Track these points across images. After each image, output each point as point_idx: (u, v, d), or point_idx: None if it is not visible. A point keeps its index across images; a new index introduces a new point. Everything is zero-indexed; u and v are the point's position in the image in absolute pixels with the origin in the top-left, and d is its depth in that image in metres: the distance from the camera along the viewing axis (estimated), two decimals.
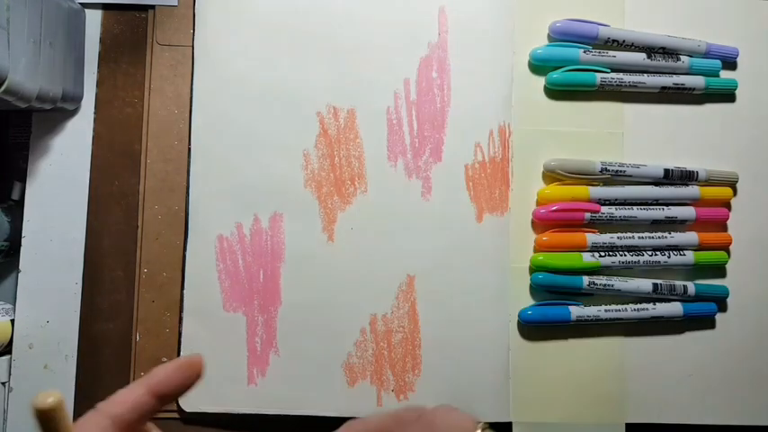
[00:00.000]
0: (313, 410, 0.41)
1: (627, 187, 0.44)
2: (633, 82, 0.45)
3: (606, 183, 0.44)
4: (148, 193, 0.42)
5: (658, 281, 0.44)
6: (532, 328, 0.43)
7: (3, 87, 0.33)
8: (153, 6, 0.43)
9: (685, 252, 0.44)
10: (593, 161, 0.44)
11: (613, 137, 0.45)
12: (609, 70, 0.45)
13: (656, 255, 0.44)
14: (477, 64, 0.44)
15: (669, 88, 0.45)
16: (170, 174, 0.42)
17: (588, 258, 0.43)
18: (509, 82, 0.44)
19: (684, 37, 0.46)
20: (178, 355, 0.41)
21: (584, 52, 0.44)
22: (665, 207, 0.45)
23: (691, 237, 0.45)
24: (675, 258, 0.44)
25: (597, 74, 0.44)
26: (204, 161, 0.42)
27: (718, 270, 0.46)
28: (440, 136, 0.43)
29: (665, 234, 0.44)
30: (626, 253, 0.44)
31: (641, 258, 0.44)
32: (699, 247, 0.45)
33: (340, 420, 0.41)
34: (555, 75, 0.44)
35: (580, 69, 0.44)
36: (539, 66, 0.45)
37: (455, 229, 0.42)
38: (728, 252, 0.46)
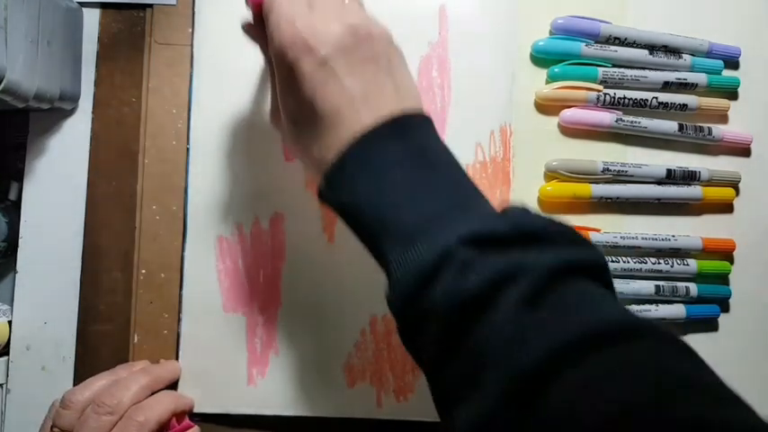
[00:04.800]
0: (312, 411, 0.41)
1: (629, 185, 0.44)
2: (635, 76, 0.45)
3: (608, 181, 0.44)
4: (146, 194, 0.42)
5: (660, 282, 0.44)
6: None
7: (0, 87, 0.32)
8: (151, 5, 0.43)
9: (688, 261, 0.44)
10: (594, 161, 0.44)
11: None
12: (610, 65, 0.45)
13: (658, 263, 0.44)
14: (478, 64, 0.43)
15: (671, 84, 0.45)
16: (168, 174, 0.42)
17: None
18: (510, 82, 0.44)
19: (687, 36, 0.46)
20: (176, 356, 0.40)
21: (586, 46, 0.44)
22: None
23: (694, 240, 0.45)
24: (679, 267, 0.44)
25: (599, 68, 0.44)
26: (203, 161, 0.42)
27: (721, 277, 0.46)
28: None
29: (669, 236, 0.44)
30: (629, 260, 0.43)
31: (644, 266, 0.43)
32: (702, 250, 0.45)
33: (340, 421, 0.41)
34: (556, 68, 0.44)
35: (582, 63, 0.44)
36: (540, 58, 0.45)
37: None
38: (732, 256, 0.46)
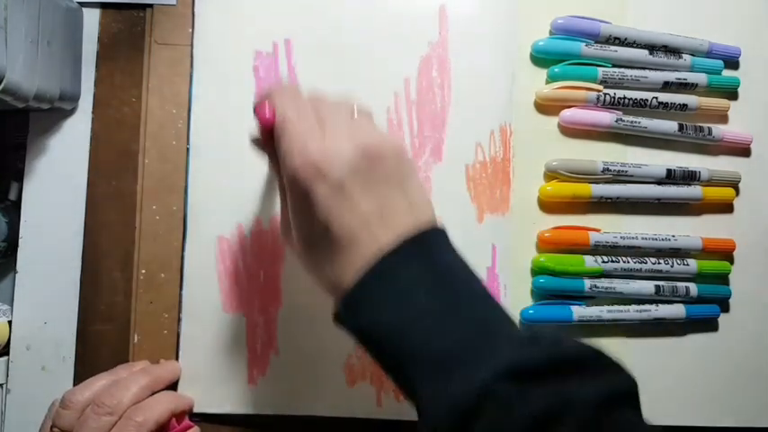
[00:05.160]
0: (313, 411, 0.41)
1: (629, 185, 0.44)
2: (635, 76, 0.45)
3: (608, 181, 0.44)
4: (146, 194, 0.42)
5: (660, 282, 0.44)
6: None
7: (0, 87, 0.32)
8: (151, 5, 0.43)
9: (688, 261, 0.44)
10: (594, 161, 0.44)
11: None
12: (611, 65, 0.45)
13: (658, 263, 0.44)
14: (478, 64, 0.43)
15: (671, 84, 0.45)
16: (168, 174, 0.42)
17: (591, 263, 0.43)
18: (510, 81, 0.44)
19: (687, 36, 0.46)
20: (176, 356, 0.40)
21: (586, 46, 0.44)
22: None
23: (694, 240, 0.45)
24: (678, 267, 0.44)
25: (599, 68, 0.44)
26: (203, 161, 0.42)
27: (721, 277, 0.46)
28: (440, 136, 0.43)
29: (669, 236, 0.44)
30: (629, 260, 0.43)
31: (644, 266, 0.43)
32: (702, 250, 0.45)
33: (340, 421, 0.41)
34: (556, 68, 0.44)
35: (582, 63, 0.44)
36: (540, 58, 0.45)
37: (456, 230, 0.41)
38: (732, 256, 0.46)
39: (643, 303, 0.43)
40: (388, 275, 0.27)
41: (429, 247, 0.28)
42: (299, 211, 0.29)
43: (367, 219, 0.28)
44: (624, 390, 0.25)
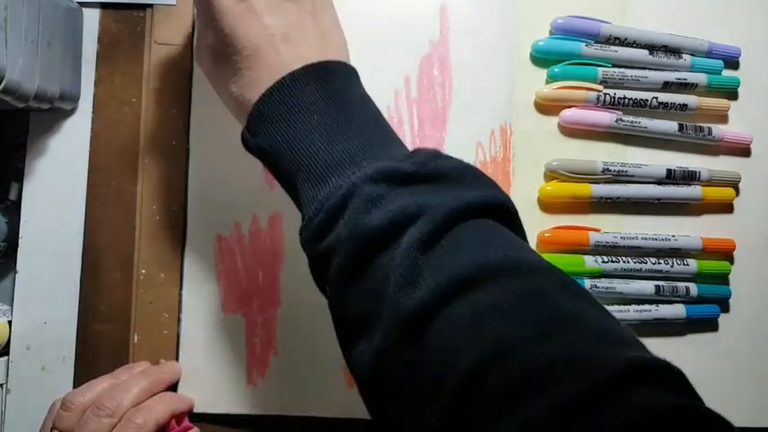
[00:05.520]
0: (312, 412, 0.41)
1: (629, 185, 0.44)
2: (635, 77, 0.45)
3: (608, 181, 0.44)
4: (146, 194, 0.42)
5: (661, 283, 0.44)
6: None
7: (0, 87, 0.32)
8: (151, 5, 0.43)
9: (688, 261, 0.44)
10: (594, 161, 0.44)
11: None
12: (611, 65, 0.45)
13: (659, 263, 0.44)
14: (479, 63, 0.43)
15: (671, 84, 0.45)
16: (168, 174, 0.42)
17: (591, 263, 0.43)
18: (511, 81, 0.44)
19: (687, 36, 0.46)
20: (176, 356, 0.40)
21: (586, 46, 0.44)
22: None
23: (694, 240, 0.45)
24: (678, 267, 0.44)
25: (599, 68, 0.44)
26: (202, 161, 0.42)
27: (721, 277, 0.46)
28: (441, 135, 0.43)
29: (669, 236, 0.44)
30: (629, 260, 0.43)
31: (644, 266, 0.43)
32: (702, 250, 0.45)
33: (339, 422, 0.41)
34: (556, 68, 0.44)
35: (582, 63, 0.44)
36: (540, 58, 0.45)
37: None
38: (732, 256, 0.46)
39: (643, 303, 0.43)
40: (287, 96, 0.28)
41: (332, 76, 0.29)
42: (205, 22, 0.29)
43: (272, 34, 0.28)
44: (487, 202, 0.26)
